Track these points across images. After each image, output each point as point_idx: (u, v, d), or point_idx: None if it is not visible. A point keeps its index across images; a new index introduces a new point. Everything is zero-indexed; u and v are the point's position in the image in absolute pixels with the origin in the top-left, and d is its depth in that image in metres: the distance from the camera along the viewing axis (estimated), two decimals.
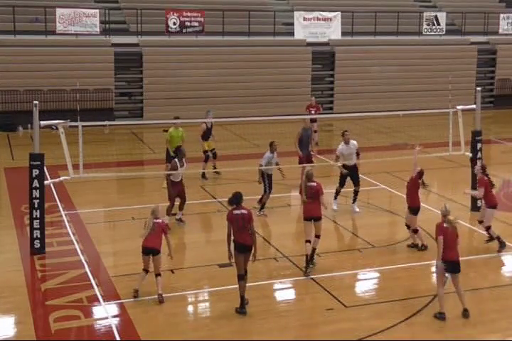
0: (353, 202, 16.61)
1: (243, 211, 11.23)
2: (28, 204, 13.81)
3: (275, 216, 16.39)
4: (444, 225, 10.92)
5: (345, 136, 16.44)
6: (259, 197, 16.40)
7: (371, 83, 31.56)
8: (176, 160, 15.38)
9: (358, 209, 16.54)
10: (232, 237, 11.27)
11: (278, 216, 16.43)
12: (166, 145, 18.53)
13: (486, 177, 14.10)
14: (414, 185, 14.08)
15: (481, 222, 14.32)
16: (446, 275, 11.07)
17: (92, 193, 17.90)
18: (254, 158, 19.69)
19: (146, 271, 11.68)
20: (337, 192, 16.63)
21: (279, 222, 16.11)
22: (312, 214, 12.83)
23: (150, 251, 11.57)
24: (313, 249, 12.80)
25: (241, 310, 11.02)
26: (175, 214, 15.61)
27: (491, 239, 14.12)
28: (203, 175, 19.29)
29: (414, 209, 13.86)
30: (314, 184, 12.98)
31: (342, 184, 16.59)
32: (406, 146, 23.45)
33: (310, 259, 12.68)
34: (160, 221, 11.71)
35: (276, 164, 16.54)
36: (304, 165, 18.77)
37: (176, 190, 15.31)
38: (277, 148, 16.41)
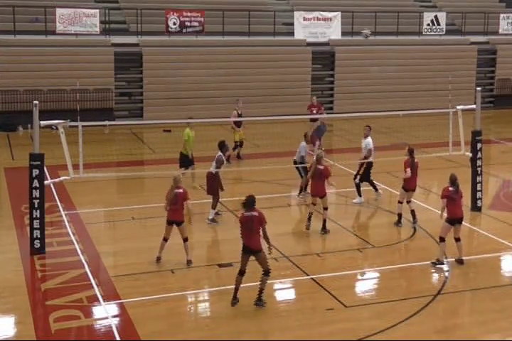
0: (359, 195, 17.20)
1: (254, 213, 11.29)
2: (28, 204, 13.81)
3: (275, 216, 16.38)
4: (450, 188, 12.73)
5: (365, 131, 17.22)
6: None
7: (371, 83, 31.56)
8: (221, 154, 15.61)
9: (356, 201, 17.07)
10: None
11: (278, 216, 16.42)
12: (183, 146, 18.21)
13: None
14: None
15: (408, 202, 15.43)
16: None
17: (92, 193, 17.90)
18: (254, 158, 19.78)
19: (166, 239, 12.86)
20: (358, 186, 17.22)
21: (279, 222, 16.09)
22: (317, 193, 14.83)
23: (173, 221, 12.71)
24: (324, 220, 14.86)
25: (232, 301, 11.36)
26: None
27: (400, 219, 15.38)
28: (238, 156, 20.74)
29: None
30: (322, 167, 14.78)
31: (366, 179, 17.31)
32: (406, 146, 23.46)
33: (323, 227, 14.81)
34: (181, 190, 12.58)
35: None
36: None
37: (218, 183, 15.57)
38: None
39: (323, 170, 14.82)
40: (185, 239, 12.95)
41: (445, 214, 13.04)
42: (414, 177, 15.35)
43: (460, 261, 13.08)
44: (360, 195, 17.01)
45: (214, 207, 15.57)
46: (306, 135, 17.60)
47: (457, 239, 13.09)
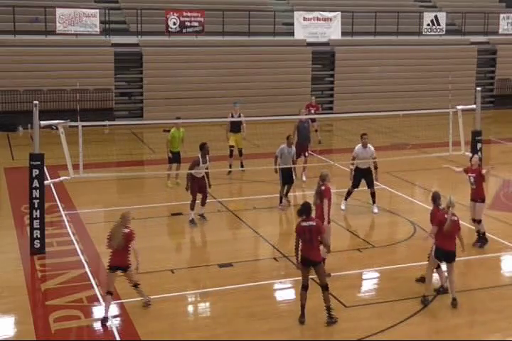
0: (373, 203, 16.51)
1: (311, 223, 10.64)
2: (28, 204, 13.81)
3: (275, 216, 16.39)
4: (446, 216, 11.10)
5: (364, 139, 16.27)
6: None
7: (371, 83, 31.56)
8: (199, 156, 15.39)
9: (376, 210, 16.39)
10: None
11: (278, 216, 16.43)
12: (166, 144, 18.57)
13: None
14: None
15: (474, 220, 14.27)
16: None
17: (92, 193, 17.90)
18: (254, 158, 19.75)
19: (110, 293, 10.77)
20: (348, 193, 16.53)
21: (279, 222, 16.12)
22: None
23: (117, 268, 10.82)
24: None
25: (301, 319, 10.78)
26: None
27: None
28: (229, 172, 19.42)
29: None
30: (323, 187, 12.50)
31: (355, 185, 16.47)
32: (406, 146, 23.50)
33: None
34: (128, 231, 10.81)
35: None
36: (304, 165, 18.84)
37: (197, 185, 15.34)
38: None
39: (324, 191, 12.54)
40: (135, 285, 11.06)
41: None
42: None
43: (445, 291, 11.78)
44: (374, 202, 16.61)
45: (191, 207, 15.42)
46: (289, 137, 16.84)
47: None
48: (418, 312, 11.15)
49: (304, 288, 10.80)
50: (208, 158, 15.44)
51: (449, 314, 11.12)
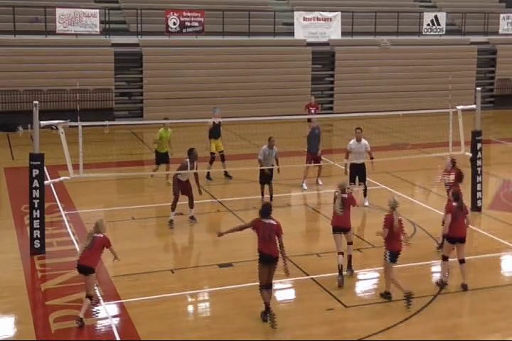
0: (364, 196, 16.90)
1: (272, 221, 10.88)
2: (28, 204, 13.81)
3: (275, 216, 16.34)
4: (394, 217, 11.44)
5: (357, 133, 16.74)
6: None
7: (371, 83, 31.57)
8: (187, 160, 15.32)
9: (367, 204, 16.75)
10: (257, 247, 10.92)
11: (278, 216, 16.37)
12: (153, 144, 18.66)
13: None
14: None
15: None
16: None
17: (92, 193, 17.90)
18: (254, 159, 19.68)
19: (90, 297, 10.73)
20: None
21: None
22: (343, 225, 12.66)
23: (83, 268, 10.77)
24: (349, 256, 12.83)
25: (264, 316, 10.79)
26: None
27: None
28: (208, 176, 19.19)
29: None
30: (346, 195, 12.57)
31: (351, 180, 16.65)
32: (406, 146, 23.49)
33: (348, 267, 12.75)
34: (101, 236, 10.92)
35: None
36: (308, 165, 18.82)
37: (181, 187, 15.32)
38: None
39: (348, 199, 12.64)
40: (90, 297, 10.75)
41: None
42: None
43: (465, 287, 11.98)
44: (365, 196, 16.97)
45: (172, 208, 15.33)
46: (270, 139, 16.89)
47: (461, 261, 12.12)
48: (418, 312, 11.15)
49: (263, 287, 10.73)
50: (195, 163, 15.37)
51: (449, 314, 11.11)
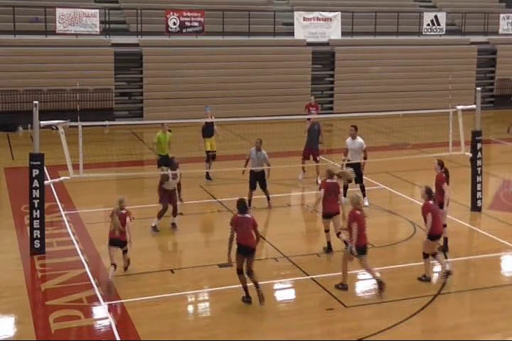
0: (363, 196, 16.63)
1: (247, 215, 11.45)
2: (28, 204, 13.80)
3: (275, 216, 16.39)
4: (357, 212, 11.73)
5: (350, 131, 16.88)
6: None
7: (371, 83, 31.55)
8: (169, 171, 15.12)
9: (367, 203, 16.50)
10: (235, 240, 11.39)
11: (278, 216, 16.43)
12: (151, 146, 18.54)
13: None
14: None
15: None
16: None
17: (92, 193, 17.90)
18: None
19: (115, 265, 12.09)
20: (345, 188, 16.53)
21: (279, 222, 16.11)
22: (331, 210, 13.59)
23: (119, 242, 12.27)
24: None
25: (246, 298, 11.41)
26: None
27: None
28: (207, 176, 19.16)
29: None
30: (335, 181, 13.67)
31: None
32: (406, 146, 23.49)
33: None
34: (124, 211, 12.35)
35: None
36: (304, 165, 18.82)
37: (167, 196, 15.09)
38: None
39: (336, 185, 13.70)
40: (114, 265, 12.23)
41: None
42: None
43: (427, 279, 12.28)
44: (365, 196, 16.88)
45: (159, 215, 15.09)
46: (257, 142, 16.56)
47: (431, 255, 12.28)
48: (418, 312, 11.15)
49: (239, 271, 11.37)
50: (178, 170, 15.11)
51: (449, 314, 11.11)
